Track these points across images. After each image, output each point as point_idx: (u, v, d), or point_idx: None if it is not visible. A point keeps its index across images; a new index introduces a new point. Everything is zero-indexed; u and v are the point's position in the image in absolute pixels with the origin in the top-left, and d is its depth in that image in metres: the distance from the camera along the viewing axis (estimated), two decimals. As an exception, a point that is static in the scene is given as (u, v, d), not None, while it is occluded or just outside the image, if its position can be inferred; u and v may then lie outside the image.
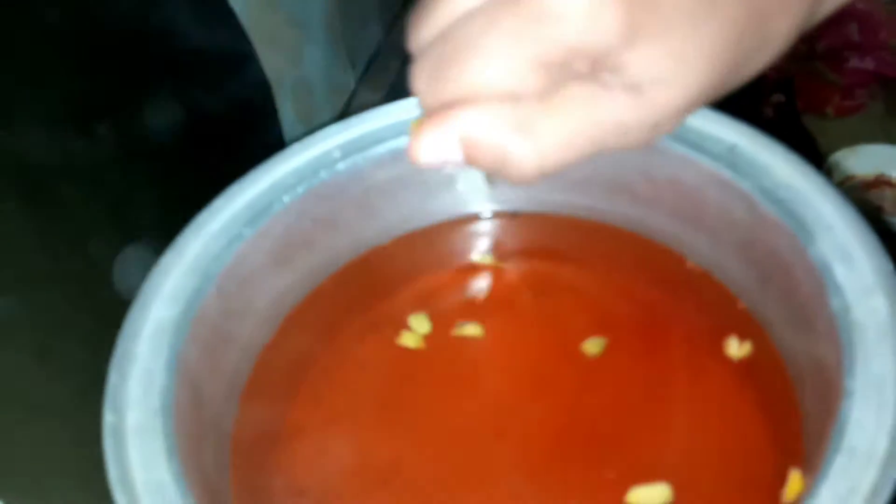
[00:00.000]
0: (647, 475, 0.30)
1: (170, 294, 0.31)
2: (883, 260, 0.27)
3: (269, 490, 0.31)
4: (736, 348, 0.33)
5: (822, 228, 0.28)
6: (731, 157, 0.32)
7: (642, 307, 0.36)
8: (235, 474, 0.31)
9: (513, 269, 0.39)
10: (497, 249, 0.39)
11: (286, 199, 0.34)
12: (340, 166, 0.35)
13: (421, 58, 0.24)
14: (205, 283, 0.31)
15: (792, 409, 0.30)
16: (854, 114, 0.68)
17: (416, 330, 0.36)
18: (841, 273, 0.27)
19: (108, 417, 0.27)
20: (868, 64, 0.67)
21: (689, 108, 0.23)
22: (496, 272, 0.39)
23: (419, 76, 0.24)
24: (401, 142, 0.36)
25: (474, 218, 0.40)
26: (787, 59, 0.67)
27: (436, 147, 0.23)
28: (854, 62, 0.67)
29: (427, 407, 0.33)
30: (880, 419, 0.23)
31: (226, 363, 0.33)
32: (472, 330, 0.36)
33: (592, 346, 0.34)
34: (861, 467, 0.22)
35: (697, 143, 0.33)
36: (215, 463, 0.30)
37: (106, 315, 0.33)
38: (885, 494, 0.21)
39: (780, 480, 0.27)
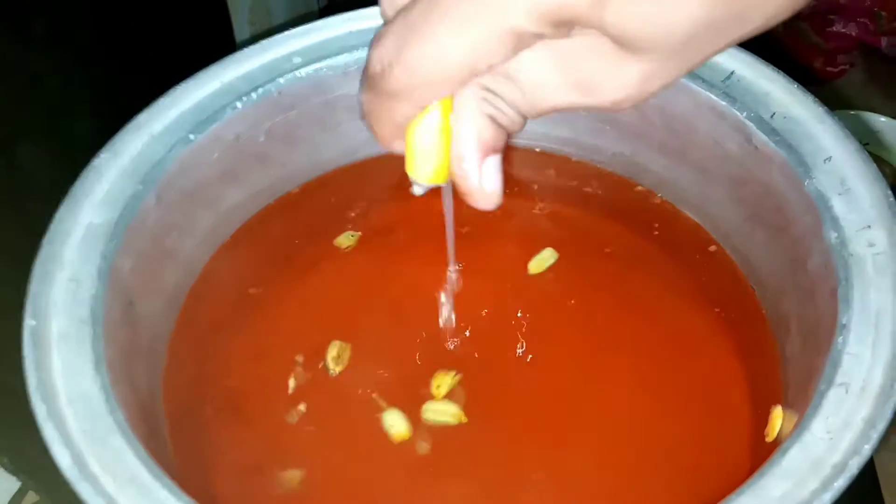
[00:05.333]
0: (617, 423, 0.28)
1: (103, 198, 0.27)
2: (883, 192, 0.25)
3: (202, 413, 0.28)
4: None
5: (821, 160, 0.27)
6: (728, 85, 0.29)
7: (620, 252, 0.34)
8: (168, 397, 0.28)
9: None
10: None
11: (238, 105, 0.31)
12: (301, 73, 0.32)
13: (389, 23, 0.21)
14: (144, 189, 0.28)
15: (770, 353, 0.29)
16: (834, 80, 0.67)
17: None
18: (839, 206, 0.25)
19: (29, 322, 0.24)
20: (851, 30, 0.65)
21: (677, 68, 0.21)
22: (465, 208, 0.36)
23: (384, 42, 0.21)
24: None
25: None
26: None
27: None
28: (837, 27, 0.65)
29: (375, 329, 0.31)
30: (876, 353, 0.21)
31: (164, 280, 0.30)
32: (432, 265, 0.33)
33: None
34: (855, 402, 0.20)
35: (693, 70, 0.30)
36: (148, 385, 0.27)
37: (32, 226, 0.29)
38: (880, 429, 0.20)
39: (761, 422, 0.26)
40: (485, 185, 0.22)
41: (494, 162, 0.22)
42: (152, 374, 0.28)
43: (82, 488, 0.20)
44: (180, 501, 0.20)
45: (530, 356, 0.30)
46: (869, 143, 0.60)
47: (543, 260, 0.33)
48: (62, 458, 0.20)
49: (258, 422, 0.29)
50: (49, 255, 0.25)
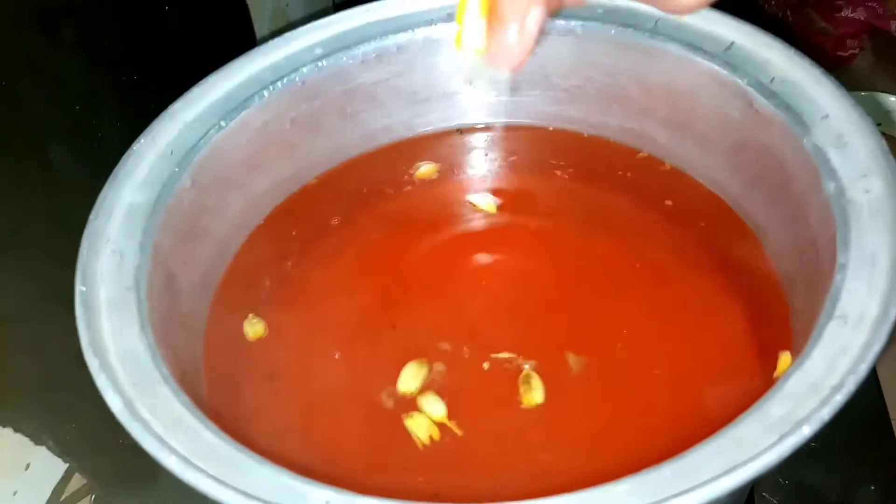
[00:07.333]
0: (629, 377, 0.30)
1: (143, 179, 0.30)
2: (878, 143, 0.26)
3: (240, 382, 0.30)
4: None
5: (819, 118, 0.28)
6: (728, 55, 0.31)
7: (630, 217, 0.35)
8: (208, 365, 0.30)
9: (501, 185, 0.38)
10: (485, 164, 0.38)
11: (265, 93, 0.33)
12: (322, 64, 0.34)
13: None
14: (180, 171, 0.30)
15: (779, 307, 0.30)
16: (845, 64, 0.68)
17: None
18: (836, 158, 0.26)
19: (80, 288, 0.26)
20: (859, 14, 0.66)
21: None
22: (482, 187, 0.38)
23: None
24: (388, 41, 0.35)
25: (463, 130, 0.39)
26: (782, 4, 0.66)
27: None
28: (846, 12, 0.66)
29: (406, 315, 0.33)
30: (872, 288, 0.22)
31: (200, 257, 0.32)
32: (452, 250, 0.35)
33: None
34: (852, 330, 0.21)
35: (695, 43, 0.32)
36: (190, 352, 0.29)
37: (62, 222, 0.31)
38: (875, 352, 0.21)
39: (771, 372, 0.27)
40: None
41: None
42: (193, 342, 0.30)
43: (133, 428, 0.21)
44: (224, 441, 0.22)
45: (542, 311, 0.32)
46: (882, 124, 0.61)
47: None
48: (114, 403, 0.22)
49: (293, 391, 0.31)
50: (95, 230, 0.27)
